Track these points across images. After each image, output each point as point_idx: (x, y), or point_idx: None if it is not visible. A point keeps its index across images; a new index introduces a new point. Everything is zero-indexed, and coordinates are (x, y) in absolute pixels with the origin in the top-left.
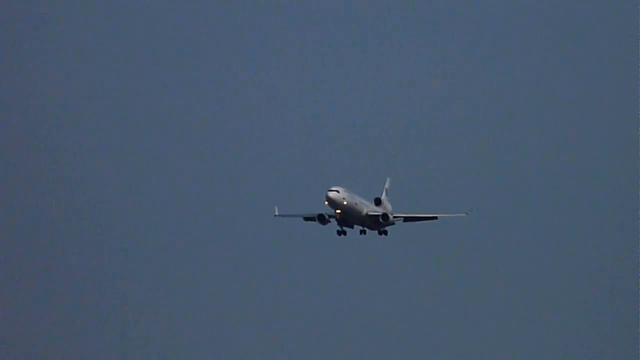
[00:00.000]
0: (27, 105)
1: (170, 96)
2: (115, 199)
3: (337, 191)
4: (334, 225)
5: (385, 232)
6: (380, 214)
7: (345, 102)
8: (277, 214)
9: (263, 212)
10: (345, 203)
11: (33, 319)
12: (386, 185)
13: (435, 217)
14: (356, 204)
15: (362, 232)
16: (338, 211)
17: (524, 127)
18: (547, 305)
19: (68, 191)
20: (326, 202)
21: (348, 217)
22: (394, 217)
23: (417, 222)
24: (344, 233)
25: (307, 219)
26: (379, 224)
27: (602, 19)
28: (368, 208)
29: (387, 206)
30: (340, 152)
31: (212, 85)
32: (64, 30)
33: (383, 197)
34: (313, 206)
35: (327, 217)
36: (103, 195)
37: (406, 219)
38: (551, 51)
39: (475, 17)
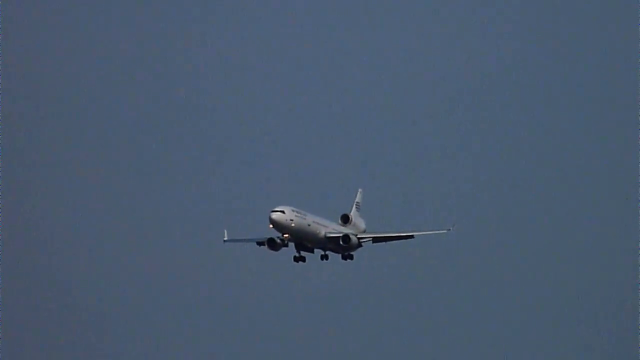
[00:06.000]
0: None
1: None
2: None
3: (282, 211)
4: (291, 250)
5: (351, 257)
6: (340, 235)
7: (316, 109)
8: (226, 238)
9: (212, 237)
10: (293, 225)
11: None
12: (357, 199)
13: (412, 236)
14: (309, 225)
15: (324, 257)
16: (286, 235)
17: (508, 137)
18: (540, 337)
19: None
20: (270, 226)
21: (303, 241)
22: (360, 238)
23: (390, 242)
24: (303, 259)
25: (260, 243)
26: (341, 247)
27: (602, 20)
28: (327, 229)
29: (359, 224)
30: (307, 163)
31: (165, 102)
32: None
33: (352, 213)
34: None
35: (279, 241)
36: None
37: (376, 240)
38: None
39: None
